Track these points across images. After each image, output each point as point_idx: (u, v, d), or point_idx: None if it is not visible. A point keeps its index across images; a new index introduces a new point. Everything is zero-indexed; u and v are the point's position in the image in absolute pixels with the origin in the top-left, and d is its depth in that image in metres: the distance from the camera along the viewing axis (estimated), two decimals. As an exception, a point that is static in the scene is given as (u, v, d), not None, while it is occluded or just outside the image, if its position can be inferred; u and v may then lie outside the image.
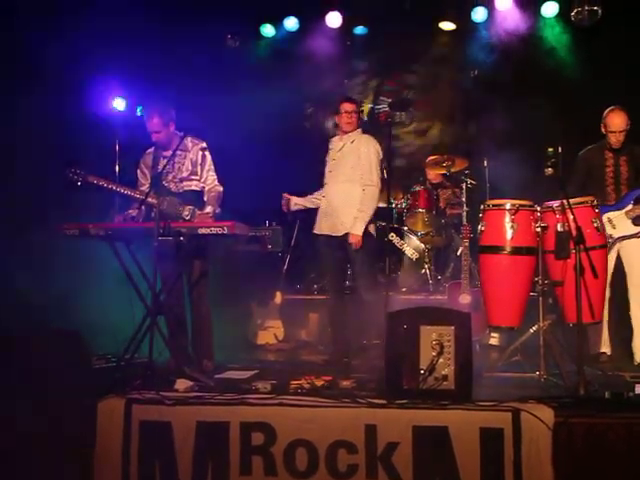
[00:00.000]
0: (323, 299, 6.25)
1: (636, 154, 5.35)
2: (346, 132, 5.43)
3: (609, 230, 5.09)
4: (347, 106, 5.42)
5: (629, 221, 5.18)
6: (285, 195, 5.56)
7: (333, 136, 5.66)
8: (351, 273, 5.65)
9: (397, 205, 7.47)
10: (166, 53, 7.13)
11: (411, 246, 7.26)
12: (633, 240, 5.22)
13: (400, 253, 7.27)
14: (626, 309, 5.33)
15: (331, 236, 5.41)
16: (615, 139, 5.31)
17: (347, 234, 5.27)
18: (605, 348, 5.31)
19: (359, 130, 5.46)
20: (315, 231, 5.54)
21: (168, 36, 7.08)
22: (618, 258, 5.28)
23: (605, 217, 5.12)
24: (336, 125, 5.59)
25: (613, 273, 5.21)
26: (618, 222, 5.19)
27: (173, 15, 7.12)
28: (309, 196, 5.62)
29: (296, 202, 5.60)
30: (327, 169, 5.49)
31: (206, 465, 3.71)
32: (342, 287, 5.69)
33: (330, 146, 5.55)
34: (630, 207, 5.18)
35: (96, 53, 6.31)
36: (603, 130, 5.37)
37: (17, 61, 6.01)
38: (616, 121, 5.29)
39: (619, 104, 5.33)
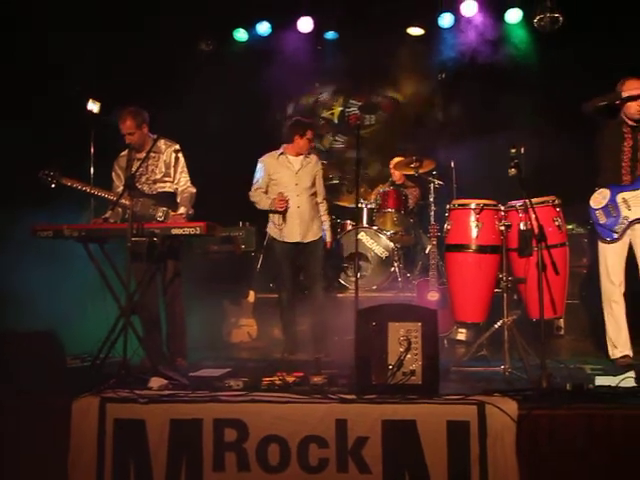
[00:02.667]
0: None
1: None
2: (301, 154, 5.83)
3: (624, 212, 4.84)
4: (312, 133, 5.90)
5: None
6: (284, 196, 5.70)
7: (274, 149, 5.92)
8: (308, 275, 5.97)
9: (367, 205, 7.50)
10: (140, 55, 7.07)
11: (381, 245, 7.29)
12: None
13: (369, 252, 7.29)
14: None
15: (299, 242, 5.76)
16: (637, 105, 4.79)
17: (313, 240, 5.81)
18: (626, 351, 4.89)
19: None
20: (286, 239, 5.76)
21: (143, 39, 7.04)
22: (630, 247, 4.93)
23: (620, 197, 4.87)
24: (291, 140, 5.82)
25: (626, 263, 4.90)
26: (633, 204, 4.82)
27: (149, 18, 7.07)
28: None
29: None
30: (291, 181, 5.77)
31: (180, 462, 3.68)
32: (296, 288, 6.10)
33: (286, 160, 5.82)
34: None
35: (70, 55, 6.25)
36: (620, 100, 4.83)
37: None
38: (637, 84, 4.79)
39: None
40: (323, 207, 6.00)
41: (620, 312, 4.95)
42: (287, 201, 5.68)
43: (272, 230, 5.87)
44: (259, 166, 5.87)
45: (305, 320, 5.96)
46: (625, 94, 4.83)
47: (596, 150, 5.08)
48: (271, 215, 5.85)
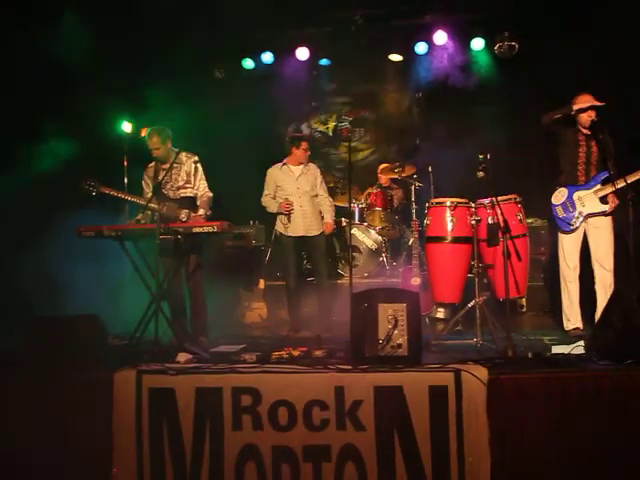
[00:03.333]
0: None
1: (604, 139, 4.89)
2: (301, 163, 5.83)
3: (579, 208, 4.89)
4: (306, 144, 5.86)
5: (597, 199, 4.87)
6: (289, 201, 5.72)
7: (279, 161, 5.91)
8: (313, 264, 6.05)
9: (358, 205, 7.50)
10: (166, 83, 7.08)
11: (371, 238, 7.29)
12: (599, 218, 4.90)
13: (361, 245, 7.30)
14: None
15: (303, 236, 5.77)
16: (587, 116, 4.85)
17: (316, 235, 5.79)
18: (578, 324, 4.96)
19: None
20: (292, 233, 5.78)
21: (168, 70, 7.06)
22: (584, 237, 4.97)
23: (576, 195, 4.91)
24: (290, 152, 5.85)
25: (581, 250, 4.96)
26: (587, 200, 4.89)
27: (170, 51, 7.08)
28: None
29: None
30: (293, 186, 5.79)
31: (205, 423, 3.70)
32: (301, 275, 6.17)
33: (288, 169, 5.84)
34: (599, 187, 4.88)
35: (108, 87, 6.26)
36: (574, 112, 4.86)
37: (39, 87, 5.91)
38: (586, 98, 4.84)
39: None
40: (326, 201, 5.95)
41: (574, 291, 4.98)
42: (291, 204, 5.72)
43: (279, 227, 5.88)
44: (267, 177, 5.90)
45: (309, 303, 5.96)
46: (576, 107, 4.87)
47: (557, 155, 5.10)
48: (279, 215, 5.87)
